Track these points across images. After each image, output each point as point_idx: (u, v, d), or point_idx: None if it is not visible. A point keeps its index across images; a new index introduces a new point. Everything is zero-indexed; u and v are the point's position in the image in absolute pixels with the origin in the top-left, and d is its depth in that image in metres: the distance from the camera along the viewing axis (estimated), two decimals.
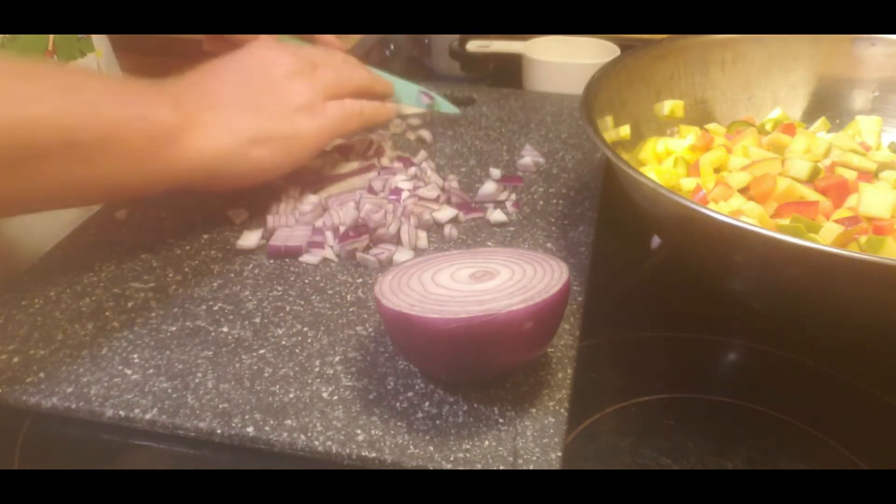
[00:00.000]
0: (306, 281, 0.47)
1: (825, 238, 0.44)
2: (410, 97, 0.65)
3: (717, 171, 0.54)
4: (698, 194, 0.51)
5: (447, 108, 0.66)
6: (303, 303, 0.45)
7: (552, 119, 0.70)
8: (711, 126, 0.60)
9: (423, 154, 0.61)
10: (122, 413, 0.37)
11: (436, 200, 0.54)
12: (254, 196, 0.53)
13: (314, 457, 0.36)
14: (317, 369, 0.40)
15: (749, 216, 0.47)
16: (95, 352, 0.41)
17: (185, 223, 0.53)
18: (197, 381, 0.39)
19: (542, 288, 0.36)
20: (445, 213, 0.53)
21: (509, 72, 0.82)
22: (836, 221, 0.46)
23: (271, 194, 0.54)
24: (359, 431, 0.36)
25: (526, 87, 0.80)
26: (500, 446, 0.36)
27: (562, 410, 0.38)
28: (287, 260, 0.49)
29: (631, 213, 0.50)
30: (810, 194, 0.49)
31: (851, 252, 0.35)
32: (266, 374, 0.40)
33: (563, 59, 0.78)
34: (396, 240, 0.50)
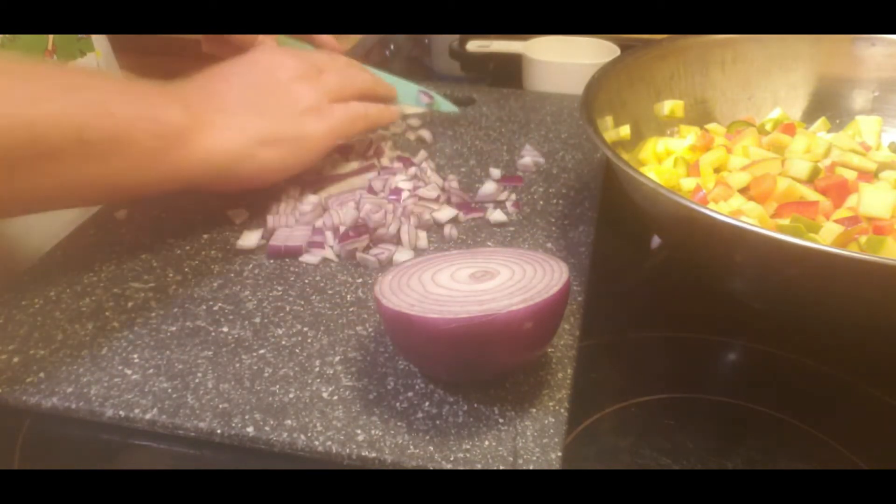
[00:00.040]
0: (306, 281, 0.47)
1: (825, 238, 0.44)
2: (410, 97, 0.65)
3: (717, 171, 0.54)
4: (698, 194, 0.51)
5: (447, 107, 0.66)
6: (303, 303, 0.45)
7: (552, 119, 0.70)
8: (711, 126, 0.60)
9: (423, 154, 0.61)
10: (122, 413, 0.37)
11: (436, 200, 0.54)
12: (254, 196, 0.53)
13: (314, 457, 0.36)
14: (317, 369, 0.40)
15: (749, 216, 0.47)
16: (95, 352, 0.41)
17: (185, 223, 0.53)
18: (197, 381, 0.39)
19: (542, 288, 0.36)
20: (445, 213, 0.53)
21: (509, 72, 0.82)
22: (836, 221, 0.46)
23: (271, 194, 0.54)
24: (359, 431, 0.36)
25: (526, 87, 0.80)
26: (500, 446, 0.36)
27: (562, 410, 0.38)
28: (287, 260, 0.49)
29: (631, 213, 0.50)
30: (810, 194, 0.49)
31: (851, 252, 0.35)
32: (266, 374, 0.40)
33: (563, 59, 0.78)
34: (396, 240, 0.50)
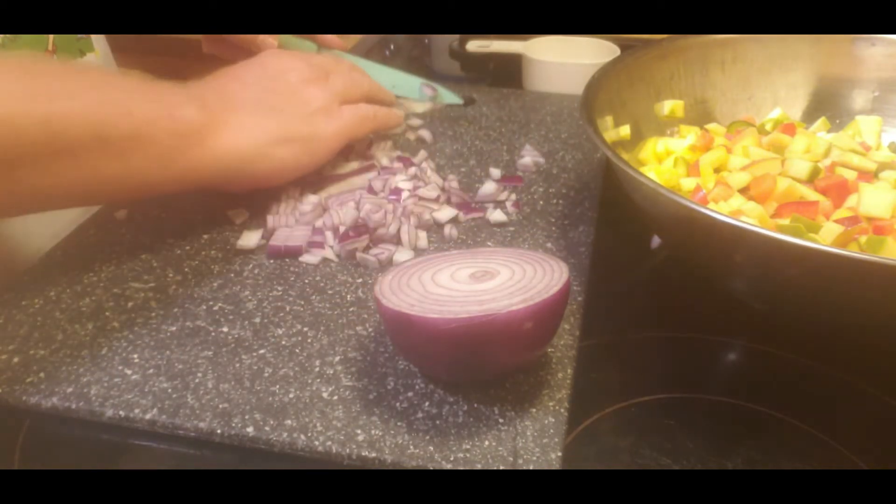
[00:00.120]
0: (306, 281, 0.47)
1: (825, 238, 0.44)
2: (413, 90, 0.65)
3: (717, 171, 0.54)
4: (698, 194, 0.51)
5: (450, 98, 0.66)
6: (303, 303, 0.45)
7: (552, 119, 0.70)
8: (711, 126, 0.60)
9: (423, 154, 0.61)
10: (122, 413, 0.37)
11: (436, 200, 0.54)
12: (254, 196, 0.53)
13: (314, 457, 0.36)
14: (317, 369, 0.40)
15: (749, 216, 0.47)
16: (95, 352, 0.41)
17: (185, 223, 0.53)
18: (197, 381, 0.39)
19: (542, 288, 0.36)
20: (445, 213, 0.53)
21: (509, 72, 0.82)
22: (836, 221, 0.46)
23: (271, 194, 0.54)
24: (359, 431, 0.36)
25: (526, 87, 0.80)
26: (500, 446, 0.36)
27: (562, 410, 0.38)
28: (287, 260, 0.49)
29: (631, 213, 0.50)
30: (810, 194, 0.49)
31: (851, 252, 0.35)
32: (266, 374, 0.40)
33: (563, 59, 0.78)
34: (396, 240, 0.50)
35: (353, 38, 0.96)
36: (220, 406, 0.37)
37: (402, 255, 0.49)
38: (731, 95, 0.64)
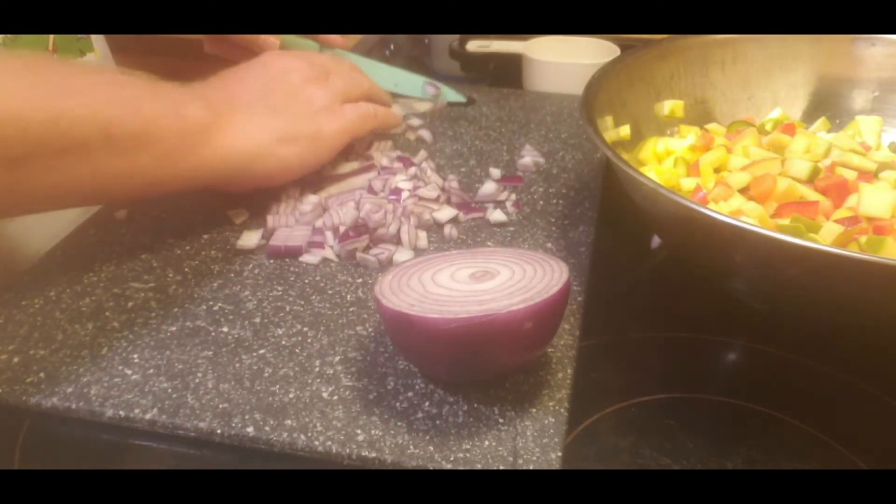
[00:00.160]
0: (306, 281, 0.47)
1: (825, 238, 0.44)
2: (416, 88, 0.65)
3: (717, 171, 0.54)
4: (698, 194, 0.51)
5: (453, 96, 0.66)
6: (303, 303, 0.45)
7: (552, 119, 0.70)
8: (711, 126, 0.60)
9: (423, 154, 0.61)
10: (122, 413, 0.37)
11: (436, 200, 0.54)
12: (254, 196, 0.53)
13: (314, 457, 0.36)
14: (317, 369, 0.40)
15: (749, 216, 0.47)
16: (95, 352, 0.41)
17: (185, 223, 0.53)
18: (197, 381, 0.39)
19: (542, 288, 0.36)
20: (445, 213, 0.53)
21: (509, 72, 0.82)
22: (836, 221, 0.46)
23: (271, 194, 0.54)
24: (359, 431, 0.36)
25: (526, 87, 0.80)
26: (500, 446, 0.36)
27: (562, 410, 0.38)
28: (287, 260, 0.49)
29: (631, 213, 0.50)
30: (810, 194, 0.49)
31: (851, 252, 0.35)
32: (266, 374, 0.40)
33: (563, 59, 0.78)
34: (396, 240, 0.50)
35: (354, 38, 0.96)
36: (220, 406, 0.37)
37: (402, 255, 0.49)
38: (731, 95, 0.64)
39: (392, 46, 1.01)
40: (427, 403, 0.38)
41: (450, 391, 0.39)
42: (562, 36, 0.82)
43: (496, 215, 0.53)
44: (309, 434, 0.36)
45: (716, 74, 0.63)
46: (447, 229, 0.52)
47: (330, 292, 0.46)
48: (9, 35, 0.54)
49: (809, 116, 0.63)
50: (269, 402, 0.38)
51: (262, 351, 0.41)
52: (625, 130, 0.58)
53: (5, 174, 0.39)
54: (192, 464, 0.37)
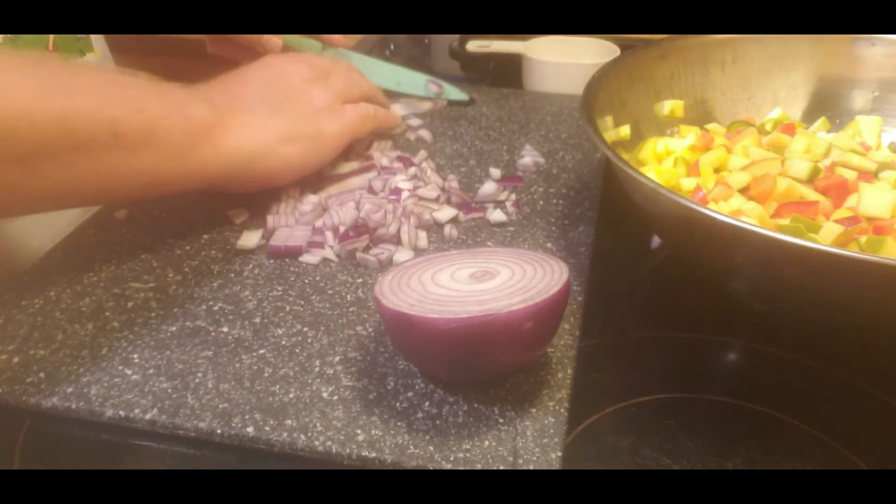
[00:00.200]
0: (306, 281, 0.47)
1: (825, 238, 0.44)
2: (418, 87, 0.65)
3: (717, 171, 0.54)
4: (698, 194, 0.51)
5: (456, 94, 0.66)
6: (303, 303, 0.45)
7: (552, 119, 0.70)
8: (711, 126, 0.60)
9: (423, 154, 0.61)
10: (122, 413, 0.37)
11: (436, 200, 0.54)
12: (254, 196, 0.53)
13: (314, 457, 0.36)
14: (317, 369, 0.40)
15: (749, 216, 0.47)
16: (95, 352, 0.41)
17: (185, 223, 0.53)
18: (197, 381, 0.39)
19: (542, 288, 0.36)
20: (445, 213, 0.53)
21: (509, 72, 0.82)
22: (836, 221, 0.46)
23: (271, 194, 0.54)
24: (359, 431, 0.36)
25: (526, 87, 0.80)
26: (500, 446, 0.36)
27: (562, 410, 0.38)
28: (287, 260, 0.49)
29: (631, 213, 0.50)
30: (810, 194, 0.49)
31: (851, 252, 0.35)
32: (266, 374, 0.40)
33: (563, 59, 0.78)
34: (396, 240, 0.50)
35: (354, 38, 0.96)
36: (220, 406, 0.37)
37: (402, 255, 0.49)
38: (731, 95, 0.64)
39: (392, 46, 1.01)
40: (427, 403, 0.38)
41: (450, 391, 0.39)
42: (562, 36, 0.82)
43: (496, 215, 0.53)
44: (309, 434, 0.36)
45: (716, 74, 0.63)
46: (447, 229, 0.52)
47: (330, 292, 0.46)
48: (9, 35, 0.54)
49: (809, 116, 0.63)
50: (269, 402, 0.38)
51: (262, 351, 0.41)
52: (625, 130, 0.58)
53: (12, 171, 0.39)
54: (192, 464, 0.37)
